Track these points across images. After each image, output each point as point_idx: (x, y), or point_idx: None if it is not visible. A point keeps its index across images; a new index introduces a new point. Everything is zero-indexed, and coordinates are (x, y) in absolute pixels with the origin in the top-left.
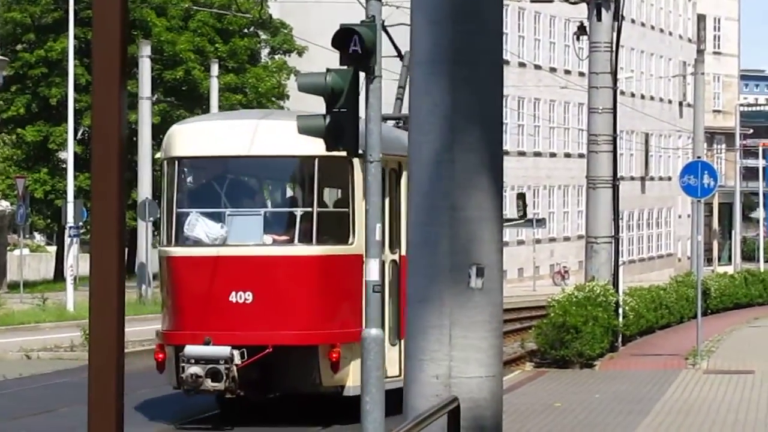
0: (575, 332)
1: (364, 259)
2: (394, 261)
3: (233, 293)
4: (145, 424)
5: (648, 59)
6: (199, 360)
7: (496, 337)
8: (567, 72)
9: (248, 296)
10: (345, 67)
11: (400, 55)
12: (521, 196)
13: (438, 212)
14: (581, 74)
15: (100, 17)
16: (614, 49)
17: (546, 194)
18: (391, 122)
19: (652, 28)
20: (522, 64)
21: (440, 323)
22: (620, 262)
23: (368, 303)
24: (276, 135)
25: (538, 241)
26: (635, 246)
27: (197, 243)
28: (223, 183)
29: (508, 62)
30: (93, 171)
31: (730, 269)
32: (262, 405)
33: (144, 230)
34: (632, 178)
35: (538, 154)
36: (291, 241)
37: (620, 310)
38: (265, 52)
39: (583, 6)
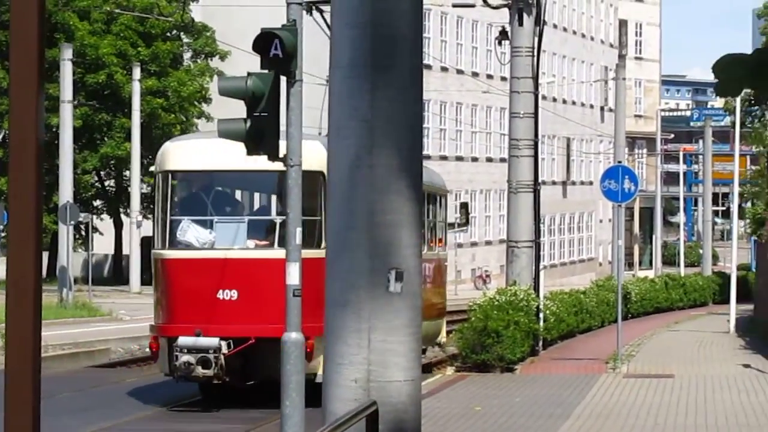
0: (496, 336)
1: None
2: None
3: (220, 291)
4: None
5: (570, 64)
6: (191, 350)
7: (414, 341)
8: (489, 76)
9: (233, 294)
10: (266, 71)
11: None
12: (464, 205)
13: (357, 217)
14: (503, 79)
15: (18, 20)
16: (536, 53)
17: (468, 198)
18: None
19: (574, 33)
20: (444, 69)
21: (359, 327)
22: (541, 267)
23: (289, 307)
24: None
25: (459, 246)
26: (557, 250)
27: (188, 246)
28: (210, 194)
29: (430, 66)
30: (10, 174)
31: (650, 273)
32: (237, 392)
33: (66, 234)
34: (554, 183)
35: (460, 159)
36: (271, 246)
37: (541, 315)
38: (187, 56)
39: (505, 11)
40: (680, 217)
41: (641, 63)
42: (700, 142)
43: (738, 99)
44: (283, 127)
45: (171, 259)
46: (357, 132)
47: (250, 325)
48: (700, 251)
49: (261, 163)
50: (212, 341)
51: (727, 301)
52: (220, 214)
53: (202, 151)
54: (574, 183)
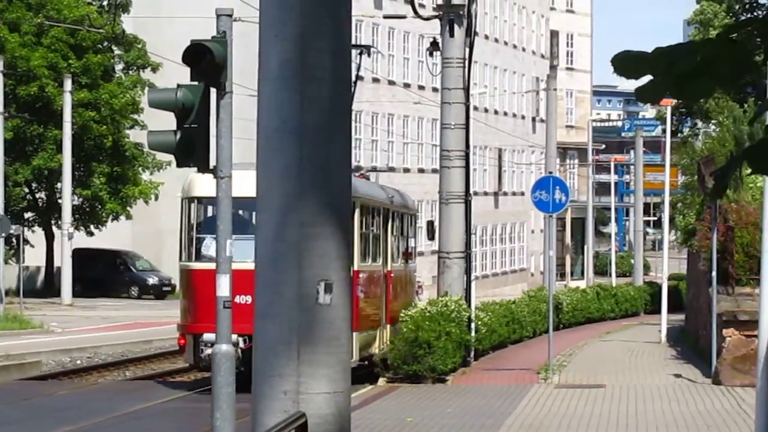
0: (428, 347)
1: None
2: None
3: (237, 296)
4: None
5: (501, 75)
6: (214, 344)
7: (344, 352)
8: (421, 87)
9: (248, 298)
10: (196, 83)
11: None
12: (431, 223)
13: (286, 228)
14: (435, 90)
15: None
16: (467, 64)
17: None
18: None
19: (506, 43)
20: (376, 80)
21: (288, 339)
22: (473, 277)
23: (219, 319)
24: None
25: None
26: (488, 261)
27: (211, 259)
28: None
29: (362, 77)
30: None
31: (582, 284)
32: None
33: None
34: (485, 194)
35: (391, 170)
36: None
37: (473, 325)
38: (119, 68)
39: (436, 22)
40: (612, 228)
41: (572, 74)
42: (632, 152)
43: (669, 109)
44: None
45: (197, 269)
46: (286, 144)
47: None
48: (632, 261)
49: None
50: (231, 337)
51: (658, 311)
52: (236, 232)
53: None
54: (505, 194)
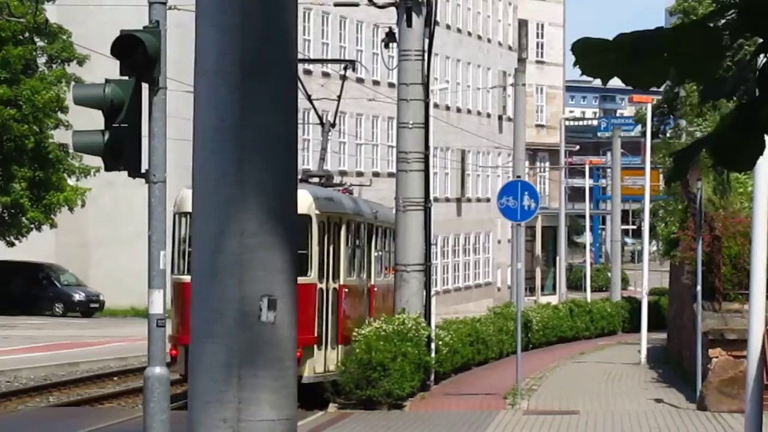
0: (383, 370)
1: (318, 286)
2: (334, 288)
3: None
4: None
5: (465, 69)
6: None
7: (289, 376)
8: (375, 83)
9: None
10: (126, 78)
11: (321, 122)
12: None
13: (225, 239)
14: (391, 85)
15: None
16: (426, 57)
17: None
18: (315, 179)
19: (469, 34)
20: (326, 74)
21: (228, 361)
22: (433, 292)
23: (152, 339)
24: None
25: None
26: (450, 274)
27: None
28: None
29: (310, 72)
30: None
31: (554, 299)
32: None
33: None
34: (447, 200)
35: (343, 174)
36: None
37: (433, 345)
38: (41, 61)
39: (393, 10)
40: (586, 237)
41: (543, 67)
42: (608, 154)
43: (649, 107)
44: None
45: (187, 282)
46: (225, 145)
47: None
48: (609, 274)
49: None
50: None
51: (638, 329)
52: None
53: None
54: (469, 200)
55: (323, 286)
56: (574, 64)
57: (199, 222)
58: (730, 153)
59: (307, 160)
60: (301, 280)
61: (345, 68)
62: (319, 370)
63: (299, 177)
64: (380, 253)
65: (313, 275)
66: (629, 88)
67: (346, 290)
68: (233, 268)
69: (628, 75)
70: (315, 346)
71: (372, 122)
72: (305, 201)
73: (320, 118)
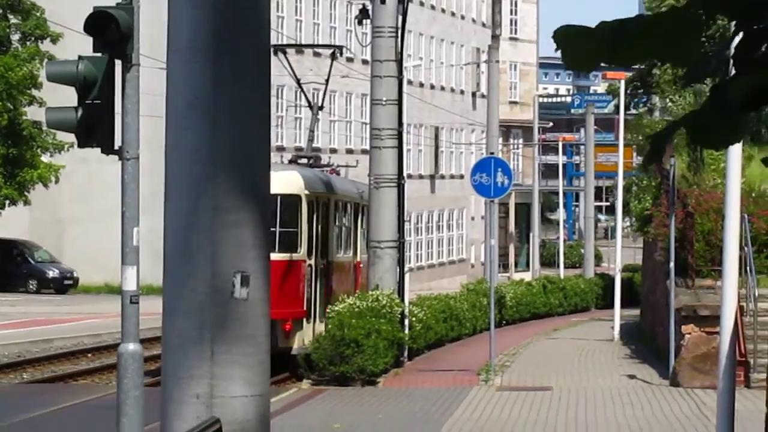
0: (356, 346)
1: (307, 263)
2: (323, 265)
3: None
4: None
5: (438, 45)
6: None
7: (262, 352)
8: (349, 59)
9: None
10: (99, 55)
11: (310, 106)
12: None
13: (198, 215)
14: (365, 62)
15: None
16: (400, 34)
17: None
18: (303, 160)
19: (443, 11)
20: (300, 51)
21: (201, 337)
22: (406, 269)
23: (125, 316)
24: None
25: None
26: (424, 251)
27: None
28: None
29: (285, 50)
30: None
31: (527, 276)
32: None
33: None
34: (420, 177)
35: (316, 150)
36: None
37: (406, 322)
38: (15, 38)
39: None
40: (560, 214)
41: (517, 44)
42: (582, 130)
43: (622, 83)
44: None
45: None
46: (197, 123)
47: None
48: (582, 251)
49: None
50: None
51: (611, 306)
52: None
53: None
54: (443, 177)
55: (312, 262)
56: (557, 50)
57: (171, 199)
58: (709, 132)
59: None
60: (291, 256)
61: (333, 53)
62: (308, 342)
63: (289, 159)
64: (366, 231)
65: (302, 252)
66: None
67: (334, 267)
68: (206, 245)
69: (611, 62)
70: (304, 320)
71: (345, 99)
72: (295, 181)
73: (309, 101)
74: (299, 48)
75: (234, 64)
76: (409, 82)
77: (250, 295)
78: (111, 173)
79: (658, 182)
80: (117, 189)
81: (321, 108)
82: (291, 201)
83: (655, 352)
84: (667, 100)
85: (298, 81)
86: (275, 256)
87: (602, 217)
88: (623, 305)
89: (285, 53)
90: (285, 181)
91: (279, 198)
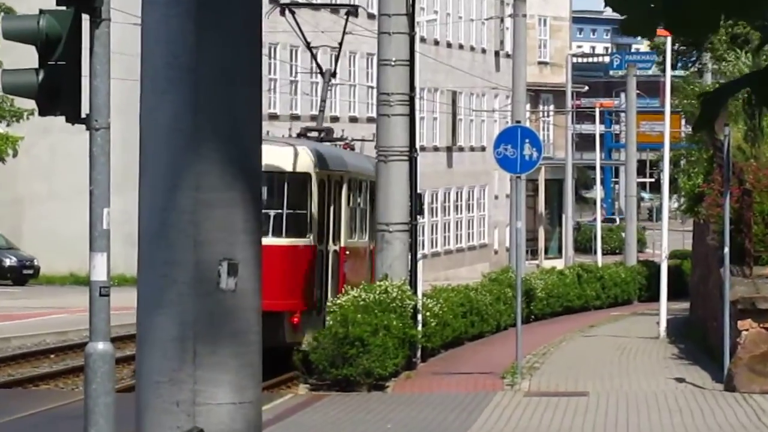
0: (361, 345)
1: (317, 248)
2: (335, 251)
3: None
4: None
5: None
6: None
7: (253, 352)
8: (350, 13)
9: None
10: (64, 8)
11: (321, 72)
12: (418, 196)
13: (178, 194)
14: (371, 16)
15: None
16: None
17: None
18: (313, 134)
19: None
20: (295, 2)
21: (181, 335)
22: (419, 256)
23: (94, 311)
24: None
25: None
26: (440, 235)
27: None
28: None
29: (293, 10)
30: None
31: (559, 264)
32: None
33: None
34: (436, 149)
35: (315, 118)
36: (266, 234)
37: (419, 317)
38: None
39: None
40: (597, 192)
41: None
42: (622, 95)
43: (668, 40)
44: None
45: None
46: (178, 85)
47: None
48: (623, 235)
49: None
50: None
51: (656, 298)
52: None
53: None
54: (461, 149)
55: (323, 248)
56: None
57: (147, 174)
58: None
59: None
60: (299, 241)
61: (347, 13)
62: None
63: (297, 132)
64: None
65: (312, 237)
66: None
67: (347, 252)
68: (187, 228)
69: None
70: (314, 312)
71: (349, 59)
72: (305, 159)
73: (320, 67)
74: (307, 6)
75: (220, 18)
76: (422, 40)
77: (238, 285)
78: (77, 145)
79: (710, 155)
80: (84, 163)
81: (334, 75)
82: (299, 180)
83: (708, 352)
84: (721, 60)
85: (308, 44)
86: (282, 241)
87: (646, 195)
88: (670, 297)
89: (294, 13)
90: (293, 157)
91: (286, 176)
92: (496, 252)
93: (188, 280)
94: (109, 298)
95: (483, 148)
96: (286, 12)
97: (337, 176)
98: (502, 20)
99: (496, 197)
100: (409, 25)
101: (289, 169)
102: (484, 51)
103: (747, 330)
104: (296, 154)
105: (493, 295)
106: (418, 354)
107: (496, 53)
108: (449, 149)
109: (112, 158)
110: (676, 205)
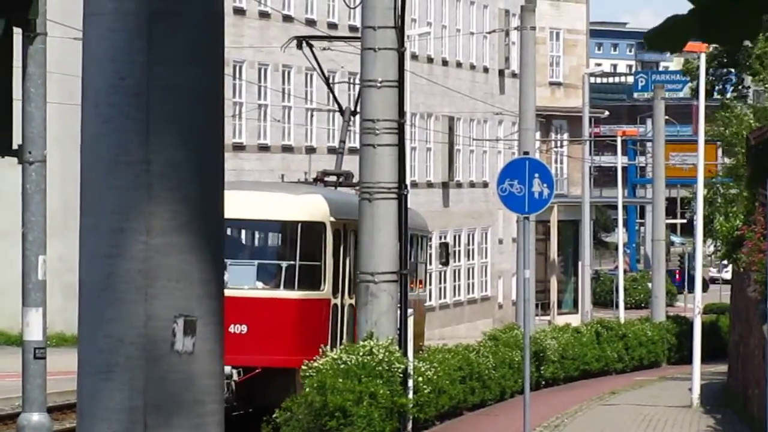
0: (342, 416)
1: (332, 302)
2: (350, 304)
3: (232, 325)
4: None
5: (453, 7)
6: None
7: (212, 423)
8: (332, 26)
9: (243, 328)
10: None
11: (340, 110)
12: (445, 245)
13: (126, 238)
14: (352, 29)
15: None
16: None
17: None
18: (331, 178)
19: None
20: (264, 14)
21: (130, 405)
22: (410, 312)
23: (28, 376)
24: (267, 204)
25: None
26: (434, 286)
27: None
28: (225, 239)
29: (243, 11)
30: None
31: (575, 320)
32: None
33: None
34: (429, 185)
35: (288, 149)
36: (277, 287)
37: (410, 383)
38: None
39: None
40: (619, 236)
41: (560, 5)
42: (648, 122)
43: (702, 57)
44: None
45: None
46: (125, 111)
47: (258, 356)
48: (649, 286)
49: (269, 214)
50: (225, 368)
51: (688, 360)
52: (233, 257)
53: None
54: (460, 185)
55: (338, 301)
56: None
57: (89, 216)
58: None
59: (235, 132)
60: (313, 294)
61: None
62: None
63: (314, 177)
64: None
65: (326, 289)
66: None
67: None
68: (136, 279)
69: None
70: None
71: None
72: (320, 207)
73: (339, 104)
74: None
75: (174, 32)
76: (414, 57)
77: (196, 346)
78: (8, 181)
79: (751, 192)
80: (16, 203)
81: (355, 113)
82: (314, 229)
83: (748, 423)
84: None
85: (326, 79)
86: (294, 294)
87: (676, 239)
88: (705, 359)
89: (311, 46)
90: (307, 205)
91: (300, 226)
92: (500, 306)
93: (138, 341)
94: (45, 361)
95: (485, 184)
96: (303, 45)
97: (353, 225)
98: (507, 34)
99: (501, 242)
100: (398, 40)
101: (303, 218)
102: (486, 70)
103: None
104: (310, 202)
105: (496, 357)
106: (409, 426)
107: (501, 72)
108: (445, 185)
109: (49, 196)
110: (712, 250)
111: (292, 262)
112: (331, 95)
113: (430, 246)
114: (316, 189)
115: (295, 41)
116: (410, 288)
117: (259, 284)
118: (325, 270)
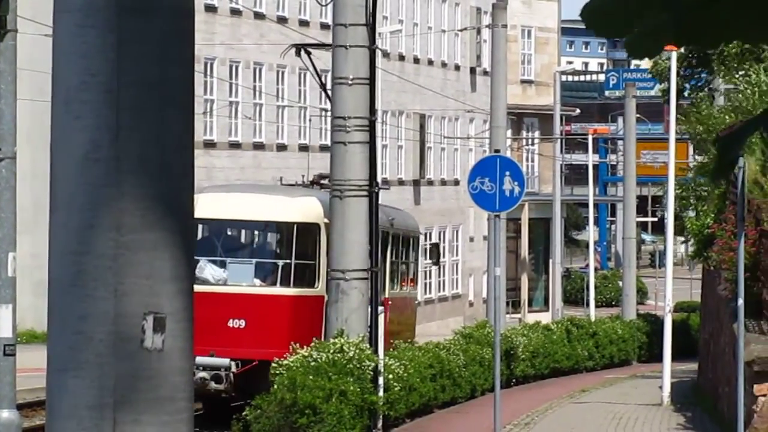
0: (312, 414)
1: (325, 299)
2: None
3: (231, 320)
4: None
5: (425, 4)
6: (206, 367)
7: (183, 421)
8: (303, 23)
9: (242, 323)
10: None
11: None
12: (435, 246)
13: (95, 235)
14: (324, 27)
15: None
16: None
17: None
18: (327, 181)
19: None
20: (236, 11)
21: (99, 402)
22: (380, 309)
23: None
24: (264, 205)
25: None
26: None
27: (205, 282)
28: (225, 239)
29: (215, 8)
30: None
31: (545, 318)
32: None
33: None
34: (400, 183)
35: (259, 147)
36: (274, 284)
37: (381, 380)
38: None
39: None
40: (590, 234)
41: (531, 2)
42: (619, 120)
43: (673, 56)
44: None
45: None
46: (95, 108)
47: (255, 349)
48: (620, 284)
49: (266, 215)
50: (224, 361)
51: (659, 358)
52: (232, 256)
53: (218, 203)
54: (431, 183)
55: None
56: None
57: (59, 212)
58: None
59: (207, 129)
60: (308, 291)
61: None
62: None
63: (310, 180)
64: (397, 264)
65: (320, 287)
66: None
67: None
68: (106, 276)
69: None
70: None
71: (299, 77)
72: (314, 209)
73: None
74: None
75: (145, 28)
76: (385, 55)
77: (166, 344)
78: None
79: (721, 191)
80: None
81: None
82: (309, 230)
83: (719, 421)
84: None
85: (323, 86)
86: (289, 291)
87: (647, 237)
88: (675, 357)
89: (309, 54)
90: (302, 207)
91: (295, 227)
92: (471, 304)
93: (107, 338)
94: (15, 358)
95: (456, 182)
96: (302, 52)
97: None
98: (478, 32)
99: (472, 239)
100: (370, 38)
101: (298, 219)
102: (457, 68)
103: (764, 395)
104: (305, 204)
105: (467, 354)
106: (379, 424)
107: (472, 70)
108: (416, 183)
109: (20, 192)
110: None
111: (288, 261)
112: (326, 98)
113: (418, 245)
114: (311, 192)
115: (293, 49)
116: (401, 286)
117: (257, 281)
118: (319, 268)
